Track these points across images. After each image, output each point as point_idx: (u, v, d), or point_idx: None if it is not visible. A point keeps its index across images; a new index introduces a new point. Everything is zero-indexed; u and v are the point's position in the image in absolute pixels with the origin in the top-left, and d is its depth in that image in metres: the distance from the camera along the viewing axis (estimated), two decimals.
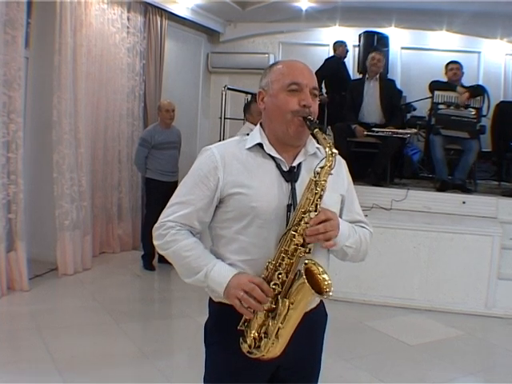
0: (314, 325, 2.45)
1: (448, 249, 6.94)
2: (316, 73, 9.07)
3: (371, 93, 8.68)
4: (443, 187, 8.22)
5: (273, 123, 2.38)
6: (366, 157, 8.79)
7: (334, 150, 2.25)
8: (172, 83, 10.77)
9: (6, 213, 6.71)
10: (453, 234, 6.97)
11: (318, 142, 2.37)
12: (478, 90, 8.32)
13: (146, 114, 9.85)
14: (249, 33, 12.32)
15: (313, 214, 2.20)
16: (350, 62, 11.39)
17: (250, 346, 2.25)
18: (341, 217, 2.46)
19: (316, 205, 2.21)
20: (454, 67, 8.44)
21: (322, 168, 2.24)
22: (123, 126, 9.21)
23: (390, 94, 8.73)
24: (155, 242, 2.42)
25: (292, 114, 2.30)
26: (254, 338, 2.24)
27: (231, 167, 2.33)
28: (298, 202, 2.29)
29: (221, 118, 9.98)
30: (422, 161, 9.92)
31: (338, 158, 2.37)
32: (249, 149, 2.38)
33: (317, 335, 2.56)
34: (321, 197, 2.22)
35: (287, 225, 2.27)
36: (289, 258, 2.20)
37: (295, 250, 2.20)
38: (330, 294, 2.14)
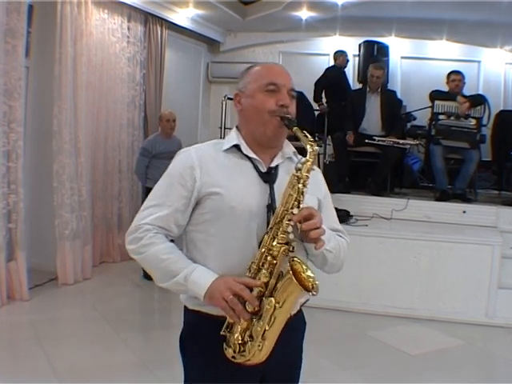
0: (294, 332, 2.39)
1: (448, 258, 6.93)
2: (316, 82, 9.12)
3: (372, 105, 8.70)
4: (443, 197, 8.22)
5: (250, 124, 2.36)
6: (366, 166, 8.81)
7: (316, 147, 2.23)
8: (172, 93, 10.78)
9: (6, 222, 6.70)
10: (453, 244, 6.95)
11: (298, 140, 2.28)
12: (478, 100, 8.32)
13: (147, 123, 9.85)
14: (249, 42, 12.35)
15: (296, 211, 2.14)
16: (351, 71, 11.40)
17: (234, 351, 2.18)
18: None
19: (299, 201, 2.16)
20: (456, 78, 8.41)
21: (303, 164, 2.21)
22: (123, 136, 9.21)
23: (391, 105, 8.75)
24: (129, 247, 2.34)
25: (269, 114, 2.28)
26: (239, 343, 2.17)
27: (208, 167, 2.29)
28: (276, 202, 2.24)
29: (221, 127, 9.97)
30: (422, 170, 9.94)
31: (315, 166, 2.34)
32: (226, 150, 2.35)
33: (297, 342, 2.52)
34: (303, 193, 2.18)
35: (267, 225, 2.22)
36: (272, 257, 2.15)
37: (279, 248, 2.15)
38: (317, 290, 2.09)
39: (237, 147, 2.35)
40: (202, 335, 2.32)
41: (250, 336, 2.15)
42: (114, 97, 8.96)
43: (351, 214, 7.72)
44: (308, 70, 11.91)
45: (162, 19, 9.94)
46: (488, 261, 6.82)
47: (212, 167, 2.30)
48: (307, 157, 2.22)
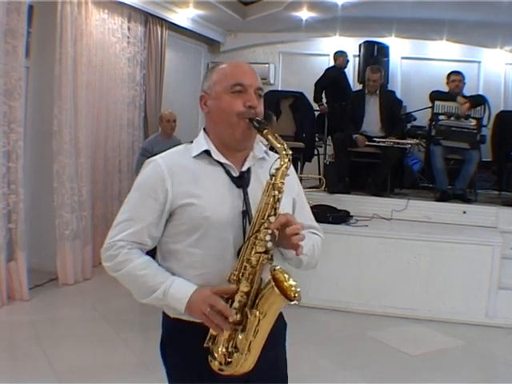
0: (275, 335, 2.33)
1: (448, 259, 6.92)
2: (316, 83, 9.11)
3: (372, 106, 8.69)
4: (443, 197, 8.21)
5: (218, 127, 2.30)
6: (366, 167, 8.80)
7: (288, 151, 2.18)
8: (172, 93, 10.78)
9: (6, 222, 6.70)
10: (453, 244, 6.95)
11: (269, 143, 2.24)
12: (478, 100, 8.31)
13: (147, 123, 9.85)
14: (249, 43, 12.37)
15: (272, 219, 2.10)
16: (351, 71, 11.41)
17: (220, 363, 2.15)
18: None
19: (275, 208, 2.13)
20: (456, 79, 8.40)
21: (277, 170, 2.16)
22: (123, 136, 9.21)
23: (391, 105, 8.74)
24: (105, 264, 2.30)
25: (237, 116, 2.22)
26: (224, 354, 2.15)
27: (179, 177, 2.24)
28: (251, 207, 2.22)
29: None
30: (422, 171, 9.93)
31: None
32: (195, 157, 2.29)
33: (280, 345, 2.50)
34: (279, 200, 2.14)
35: (244, 232, 2.20)
36: (252, 266, 2.12)
37: (258, 258, 2.11)
38: (299, 298, 2.08)
39: (207, 152, 2.30)
40: (183, 342, 2.31)
41: (235, 347, 2.14)
42: (114, 97, 8.96)
43: (351, 214, 7.72)
44: (308, 70, 11.95)
45: (162, 19, 9.94)
46: (488, 261, 6.81)
47: (183, 177, 2.25)
48: (280, 162, 2.17)
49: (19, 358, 5.29)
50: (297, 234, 2.12)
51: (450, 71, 8.64)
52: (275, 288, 2.04)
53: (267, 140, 2.22)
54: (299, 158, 9.62)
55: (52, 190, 7.56)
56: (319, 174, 9.78)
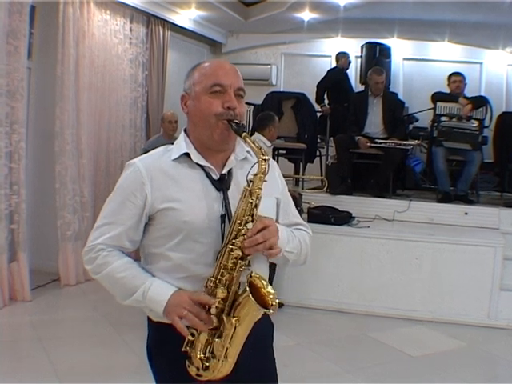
0: (259, 336, 2.31)
1: (450, 260, 6.92)
2: (318, 84, 9.10)
3: (374, 108, 8.69)
4: (445, 198, 8.21)
5: (197, 128, 2.28)
6: (368, 168, 8.80)
7: (266, 156, 2.15)
8: (174, 94, 10.75)
9: (8, 223, 6.71)
10: (455, 245, 6.94)
11: (248, 146, 2.25)
12: (480, 102, 8.31)
13: (149, 124, 9.84)
14: (251, 44, 12.37)
15: (250, 225, 2.10)
16: (353, 72, 11.42)
17: (197, 369, 2.15)
18: (277, 221, 2.38)
19: (252, 214, 2.12)
20: (456, 79, 8.42)
21: (255, 175, 2.14)
22: (126, 137, 9.21)
23: (393, 107, 8.75)
24: (87, 267, 2.31)
25: (216, 117, 2.20)
26: (201, 359, 2.14)
27: (158, 181, 2.23)
28: (231, 211, 2.20)
29: None
30: (424, 172, 9.93)
31: (270, 160, 2.27)
32: (175, 160, 2.27)
33: (265, 345, 2.47)
34: (256, 206, 2.13)
35: (223, 236, 2.18)
36: (229, 272, 2.11)
37: (234, 264, 2.11)
38: (275, 307, 2.07)
39: (187, 155, 2.28)
40: (166, 347, 2.30)
41: (212, 353, 2.14)
42: (117, 98, 8.95)
43: (353, 215, 7.70)
44: (310, 71, 11.96)
45: (164, 20, 9.92)
46: (490, 262, 6.81)
47: (162, 181, 2.24)
48: (258, 168, 2.15)
49: (21, 359, 5.30)
50: (261, 242, 2.10)
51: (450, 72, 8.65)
52: (250, 297, 2.02)
53: (245, 143, 2.21)
54: (301, 159, 9.64)
55: (54, 190, 7.57)
56: (321, 175, 9.78)
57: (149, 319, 2.37)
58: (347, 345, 6.14)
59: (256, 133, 7.21)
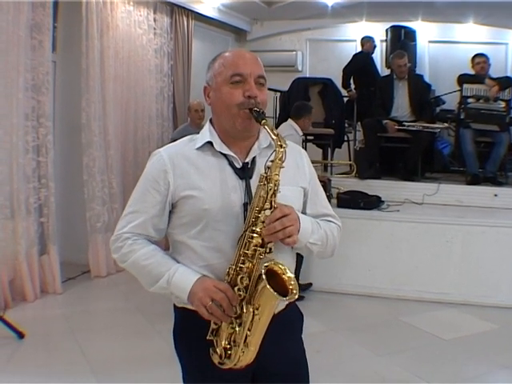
0: (285, 326, 2.33)
1: (481, 242, 6.87)
2: (344, 69, 9.06)
3: (400, 91, 8.66)
4: (474, 180, 8.15)
5: (220, 118, 2.29)
6: (396, 152, 8.75)
7: (284, 143, 2.13)
8: (200, 83, 10.63)
9: (37, 217, 6.76)
10: (485, 227, 6.89)
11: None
12: (506, 82, 8.23)
13: (175, 114, 9.86)
14: (276, 31, 12.32)
15: (268, 212, 2.08)
16: (378, 56, 11.34)
17: (220, 357, 2.17)
18: (304, 211, 2.37)
19: (271, 202, 2.10)
20: (480, 61, 8.35)
21: (272, 162, 2.13)
22: (153, 127, 9.23)
23: (419, 90, 8.69)
24: (114, 255, 2.35)
25: (237, 107, 2.20)
26: (224, 348, 2.16)
27: (181, 169, 2.25)
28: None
29: None
30: (452, 154, 9.85)
31: (299, 148, 2.32)
32: (199, 148, 2.29)
33: (291, 337, 2.44)
34: (275, 192, 2.10)
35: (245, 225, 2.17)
36: (249, 260, 2.10)
37: (254, 251, 2.10)
38: (296, 294, 2.04)
39: (210, 143, 2.29)
40: (191, 333, 2.34)
41: (234, 341, 2.14)
42: (143, 88, 8.96)
43: (382, 199, 7.69)
44: (335, 56, 11.89)
45: (188, 10, 9.91)
46: None
47: (185, 169, 2.25)
48: (275, 154, 2.14)
49: (53, 351, 5.32)
50: (280, 230, 2.08)
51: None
52: (267, 286, 2.00)
53: (266, 130, 2.19)
54: (329, 145, 9.61)
55: (82, 182, 7.61)
56: (349, 160, 9.77)
57: (174, 305, 2.42)
58: (379, 329, 6.12)
59: (290, 119, 7.21)
